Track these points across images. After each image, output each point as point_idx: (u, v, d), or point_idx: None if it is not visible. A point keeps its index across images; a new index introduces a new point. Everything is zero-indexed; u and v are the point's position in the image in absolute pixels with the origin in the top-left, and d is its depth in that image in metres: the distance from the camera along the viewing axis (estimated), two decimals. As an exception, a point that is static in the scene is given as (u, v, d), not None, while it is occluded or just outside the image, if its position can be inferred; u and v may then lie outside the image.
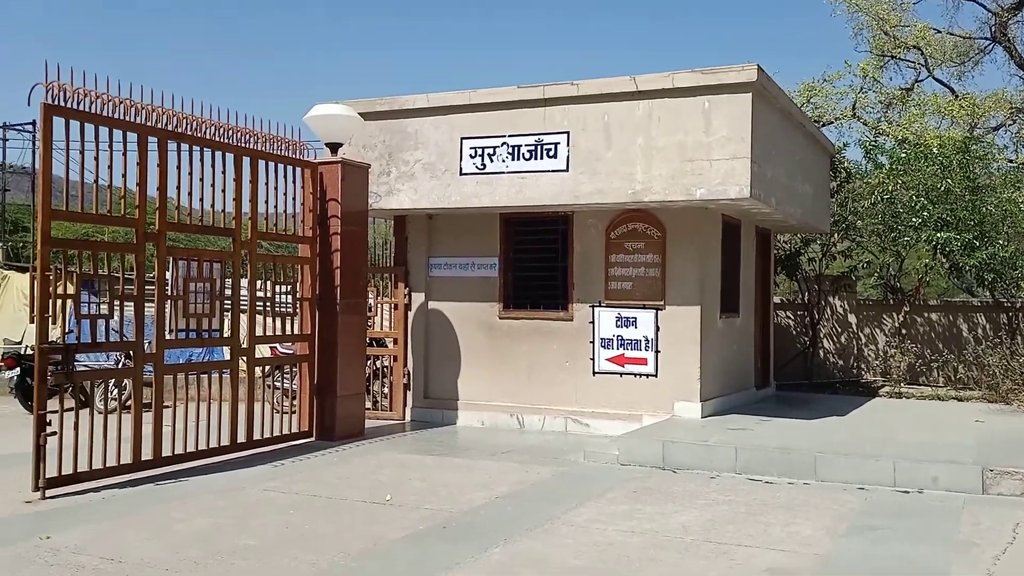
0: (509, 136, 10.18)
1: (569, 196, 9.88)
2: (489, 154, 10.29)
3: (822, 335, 15.49)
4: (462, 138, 10.45)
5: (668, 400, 10.06)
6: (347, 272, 9.93)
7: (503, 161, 10.22)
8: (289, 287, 9.76)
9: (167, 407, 8.08)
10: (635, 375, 10.27)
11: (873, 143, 15.11)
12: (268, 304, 9.38)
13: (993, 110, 22.72)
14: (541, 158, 10.02)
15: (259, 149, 9.20)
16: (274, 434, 9.37)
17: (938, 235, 13.50)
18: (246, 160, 9.03)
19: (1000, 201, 14.09)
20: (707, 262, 10.29)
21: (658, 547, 5.60)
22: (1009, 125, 23.33)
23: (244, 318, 9.29)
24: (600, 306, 10.46)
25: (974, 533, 5.90)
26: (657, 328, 10.17)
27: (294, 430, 9.66)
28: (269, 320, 9.45)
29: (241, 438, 8.89)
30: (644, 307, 10.25)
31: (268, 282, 9.42)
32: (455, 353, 11.29)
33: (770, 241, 13.19)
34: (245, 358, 9.05)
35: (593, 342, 10.48)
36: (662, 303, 10.17)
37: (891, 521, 6.23)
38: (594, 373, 10.47)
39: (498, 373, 10.99)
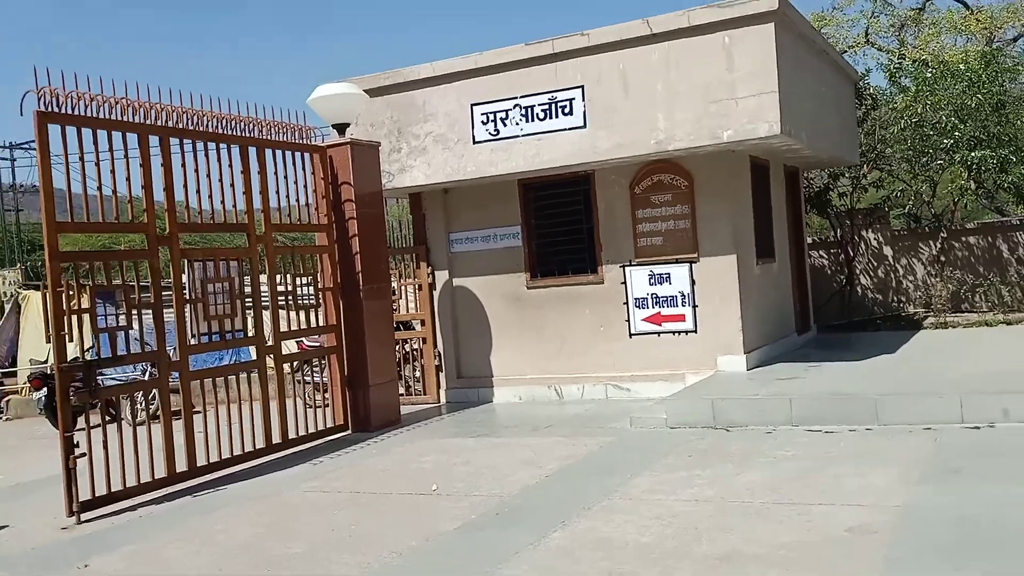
0: (521, 97, 9.75)
1: (589, 153, 9.46)
2: (502, 118, 9.87)
3: (858, 271, 15.00)
4: (472, 104, 10.03)
5: (711, 356, 9.68)
6: (367, 256, 9.60)
7: (517, 124, 9.80)
8: (310, 278, 9.44)
9: (197, 412, 7.84)
10: (674, 333, 9.89)
11: (897, 66, 14.46)
12: (290, 298, 9.08)
13: (1012, 20, 21.84)
14: (556, 116, 9.59)
15: (264, 138, 8.85)
16: (309, 431, 9.10)
17: (972, 155, 12.96)
18: (252, 151, 8.68)
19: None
20: (738, 208, 9.85)
21: (726, 513, 5.27)
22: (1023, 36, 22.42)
23: (267, 315, 9.00)
24: (631, 265, 10.07)
25: (1063, 468, 5.52)
26: (693, 282, 9.76)
27: (328, 424, 9.40)
28: (293, 314, 9.16)
29: (276, 439, 8.63)
30: (677, 262, 9.83)
31: (288, 275, 9.10)
32: (485, 329, 10.95)
33: (798, 179, 12.69)
34: (272, 355, 8.76)
35: (627, 303, 10.10)
36: (696, 255, 9.75)
37: (968, 462, 5.84)
38: (631, 335, 10.10)
39: (531, 345, 10.65)
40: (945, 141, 13.19)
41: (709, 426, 7.86)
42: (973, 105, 13.19)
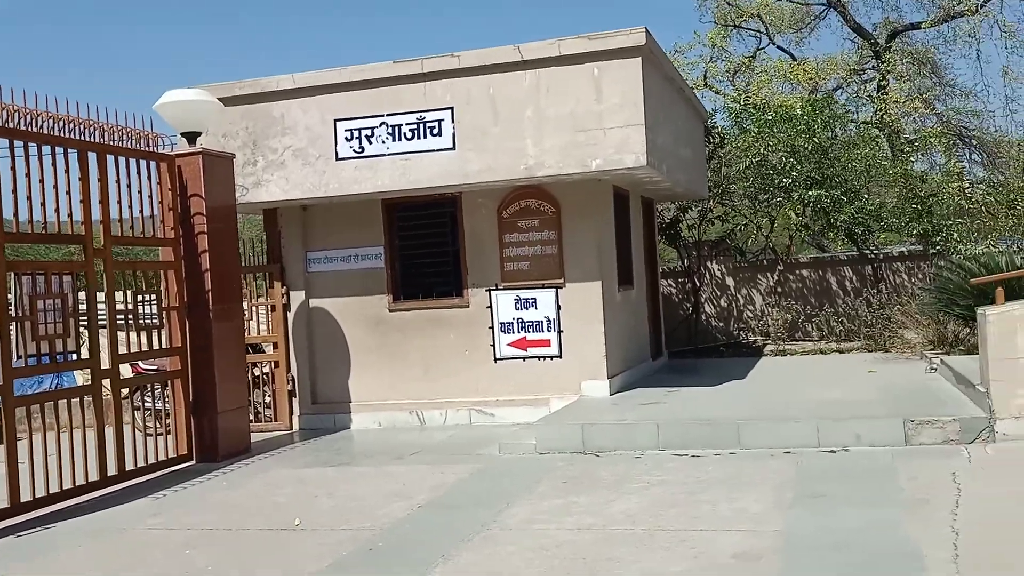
0: (388, 115, 9.49)
1: (458, 176, 9.31)
2: (367, 136, 9.56)
3: (703, 300, 15.63)
4: (335, 120, 9.66)
5: (575, 381, 9.70)
6: (218, 275, 8.98)
7: (383, 143, 9.52)
8: (153, 296, 8.71)
9: (21, 439, 6.99)
10: (539, 358, 9.85)
11: (743, 108, 15.28)
12: (131, 317, 8.33)
13: (833, 72, 23.68)
14: (425, 137, 9.39)
15: (107, 143, 8.12)
16: (149, 462, 8.36)
17: (809, 193, 13.82)
18: (92, 156, 7.94)
19: (863, 156, 14.56)
20: (603, 235, 9.97)
21: (611, 543, 5.18)
22: (845, 86, 24.41)
23: (104, 335, 8.22)
24: (497, 289, 9.96)
25: (917, 489, 5.81)
26: (558, 307, 9.78)
27: (171, 454, 8.67)
28: (133, 335, 8.41)
29: (112, 470, 7.85)
30: (543, 286, 9.82)
31: (129, 292, 8.36)
32: (343, 352, 10.52)
33: (653, 210, 13.08)
34: (109, 380, 7.98)
35: (492, 327, 9.97)
36: (561, 281, 9.78)
37: (831, 486, 6.06)
38: (496, 360, 9.98)
39: (392, 369, 10.32)
40: (784, 180, 14.01)
41: (579, 451, 7.82)
42: (809, 148, 14.10)
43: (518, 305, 9.90)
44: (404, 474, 7.60)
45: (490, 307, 9.99)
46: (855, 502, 5.63)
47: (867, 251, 15.44)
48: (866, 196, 14.27)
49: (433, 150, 9.38)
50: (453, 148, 9.32)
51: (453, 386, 10.07)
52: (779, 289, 15.36)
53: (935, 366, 9.84)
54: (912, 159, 16.68)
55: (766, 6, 24.03)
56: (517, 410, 9.75)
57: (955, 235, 13.83)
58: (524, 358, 9.90)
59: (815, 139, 14.20)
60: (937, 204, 14.67)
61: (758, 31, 24.89)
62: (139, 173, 8.48)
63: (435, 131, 9.39)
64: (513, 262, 9.94)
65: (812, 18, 25.45)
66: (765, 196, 14.39)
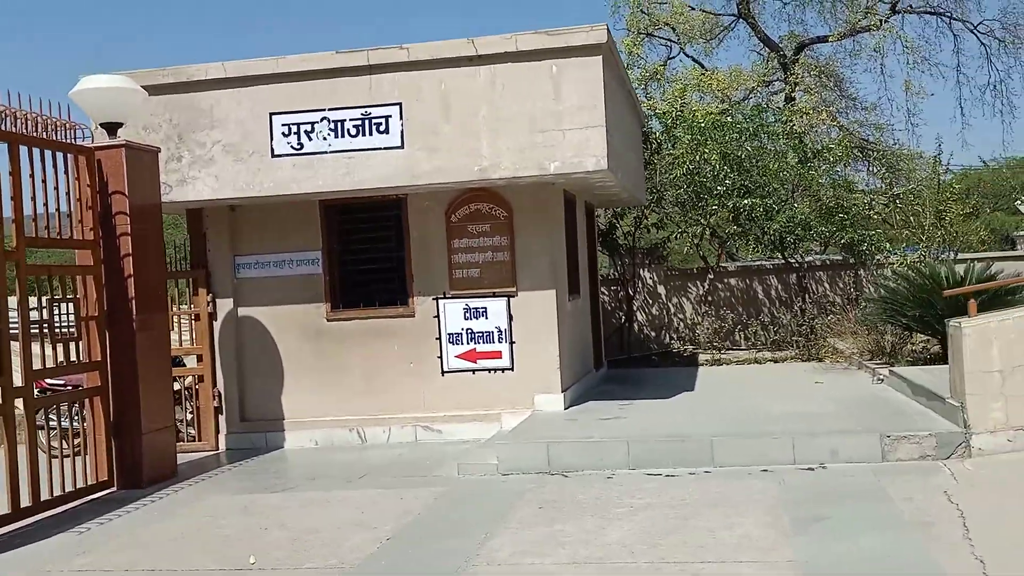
0: (330, 110, 8.84)
1: (406, 176, 8.74)
2: (307, 131, 8.89)
3: (635, 308, 15.47)
4: (271, 113, 8.95)
5: (527, 394, 9.27)
6: (142, 281, 8.15)
7: (324, 139, 8.86)
8: (70, 305, 7.82)
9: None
10: (489, 371, 9.38)
11: (679, 113, 15.19)
12: (46, 328, 7.43)
13: (744, 83, 24.09)
14: (371, 134, 8.79)
15: (20, 132, 7.22)
16: (66, 489, 7.47)
17: (744, 202, 13.83)
18: (2, 147, 7.04)
19: (791, 166, 14.69)
20: (555, 242, 9.59)
21: (616, 579, 4.78)
22: (753, 97, 24.90)
23: (15, 348, 7.29)
24: (445, 298, 9.44)
25: (917, 511, 5.63)
26: (510, 317, 9.33)
27: (89, 481, 7.79)
28: (48, 348, 7.50)
29: (25, 501, 6.96)
30: (494, 295, 9.36)
31: (42, 300, 7.46)
32: (275, 365, 9.77)
33: (594, 216, 12.81)
34: (22, 399, 7.08)
35: (440, 338, 9.44)
36: (514, 289, 9.34)
37: (826, 508, 5.82)
38: (443, 373, 9.45)
39: (330, 383, 9.64)
40: (718, 188, 13.97)
41: (544, 471, 7.39)
42: (742, 156, 14.12)
43: (467, 315, 9.41)
44: (359, 500, 7.00)
45: (437, 316, 9.46)
46: (859, 527, 5.40)
47: (792, 260, 15.60)
48: (796, 205, 14.39)
49: (380, 148, 8.79)
50: (402, 147, 8.75)
51: (397, 401, 9.49)
52: (709, 298, 15.35)
53: (881, 377, 9.87)
54: (820, 170, 16.98)
55: (679, 15, 24.28)
56: (466, 426, 9.25)
57: (874, 245, 14.11)
58: (474, 371, 9.41)
59: (747, 147, 14.24)
60: (859, 214, 14.98)
61: (669, 40, 25.14)
62: (55, 167, 7.60)
63: (382, 128, 8.81)
64: (462, 269, 9.44)
65: (721, 28, 25.89)
66: (700, 204, 14.32)
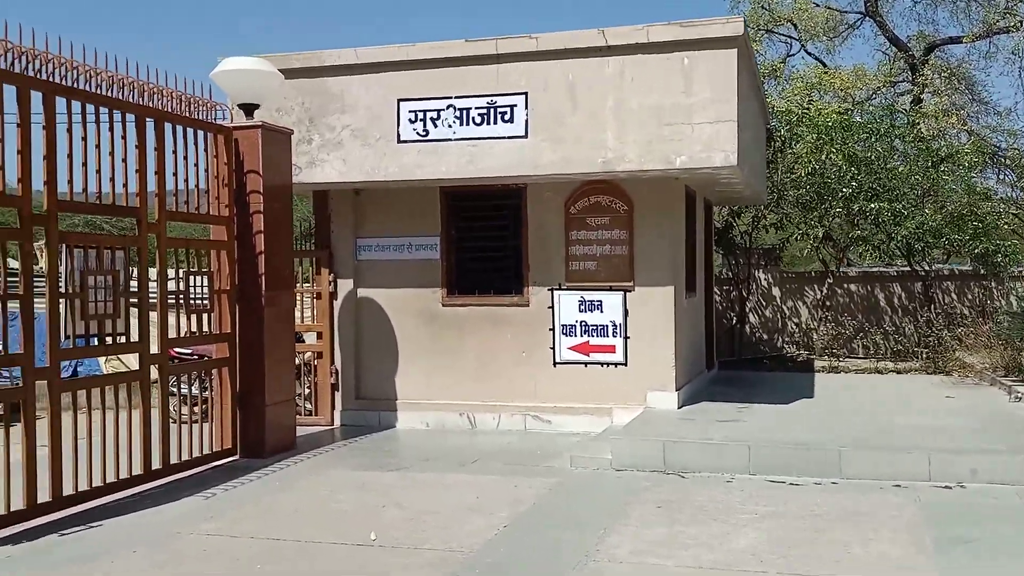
0: (456, 97, 8.88)
1: (529, 166, 8.70)
2: (432, 118, 8.95)
3: (748, 309, 15.08)
4: (399, 100, 9.05)
5: (639, 391, 9.12)
6: (272, 258, 8.39)
7: (449, 126, 8.91)
8: (204, 278, 8.11)
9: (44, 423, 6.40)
10: (602, 364, 9.27)
11: (805, 111, 14.68)
12: (182, 299, 7.73)
13: (868, 83, 23.09)
14: (495, 123, 8.78)
15: (166, 109, 7.51)
16: (193, 455, 7.77)
17: (871, 205, 13.26)
18: (149, 123, 7.33)
19: (923, 170, 14.00)
20: (676, 238, 9.39)
21: (746, 587, 4.62)
22: (874, 97, 23.84)
23: (152, 317, 7.62)
24: (560, 289, 9.38)
25: (1072, 539, 5.26)
26: (626, 312, 9.20)
27: (215, 448, 8.08)
28: (183, 318, 7.81)
29: (156, 463, 7.27)
30: (611, 289, 9.24)
31: (180, 272, 7.76)
32: (391, 346, 9.93)
33: (711, 214, 12.52)
34: (158, 366, 7.38)
35: (553, 329, 9.39)
36: (631, 284, 9.20)
37: (971, 530, 5.49)
38: (555, 364, 9.40)
39: (443, 367, 9.73)
40: (844, 190, 13.44)
41: (659, 470, 7.25)
42: (872, 157, 13.54)
43: (582, 307, 9.32)
44: (473, 485, 7.02)
45: (552, 307, 9.41)
46: (1008, 552, 5.07)
47: (919, 268, 14.90)
48: (926, 211, 13.71)
49: (504, 137, 8.77)
50: (525, 136, 8.72)
51: (508, 389, 9.49)
52: (827, 303, 14.81)
53: (1020, 396, 9.30)
54: (953, 175, 16.14)
55: (802, 11, 23.46)
56: (576, 418, 9.18)
57: (1010, 256, 13.33)
58: (586, 363, 9.33)
59: (878, 148, 13.65)
60: (992, 224, 14.19)
61: (789, 37, 24.34)
62: (196, 144, 7.89)
63: (507, 117, 8.79)
64: (579, 261, 9.35)
65: (846, 27, 24.88)
66: (822, 206, 13.80)
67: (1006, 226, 15.18)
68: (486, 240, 9.72)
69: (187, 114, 7.83)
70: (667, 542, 5.40)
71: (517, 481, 7.08)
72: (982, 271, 14.30)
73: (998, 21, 21.01)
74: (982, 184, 17.96)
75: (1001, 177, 22.72)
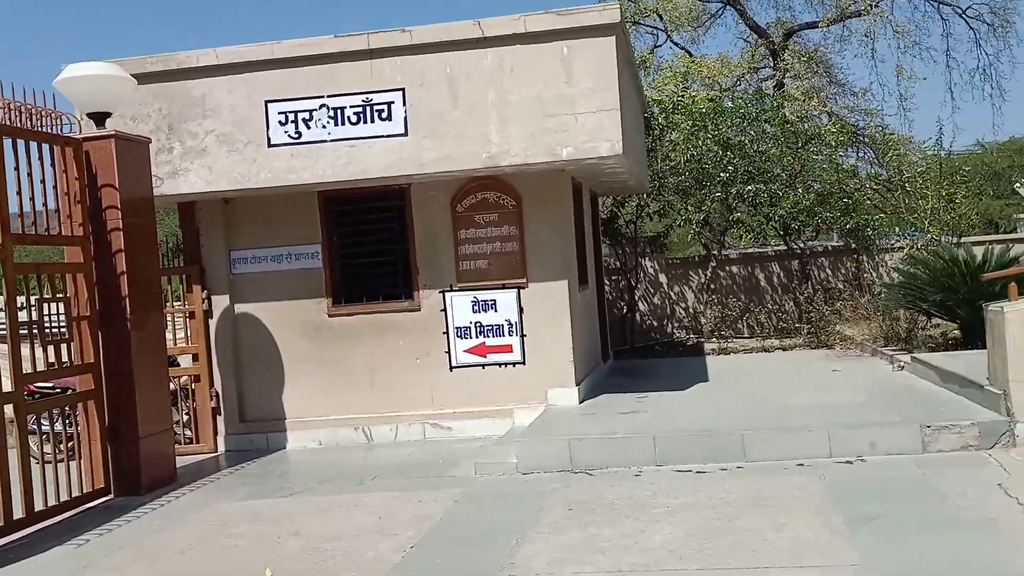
0: (329, 96, 8.44)
1: (411, 165, 8.36)
2: (305, 120, 8.49)
3: (637, 297, 15.16)
4: (267, 101, 8.54)
5: (540, 389, 8.92)
6: (136, 278, 7.74)
7: (324, 127, 8.46)
8: (60, 304, 7.38)
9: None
10: (500, 365, 9.03)
11: (680, 98, 14.85)
12: (36, 330, 7.00)
13: (733, 70, 23.77)
14: (372, 121, 8.39)
15: (4, 123, 6.77)
16: (61, 499, 7.05)
17: (748, 188, 13.53)
18: (-16, 137, 6.59)
19: (797, 153, 14.40)
20: (565, 231, 9.24)
21: (669, 589, 4.45)
22: (739, 84, 24.61)
23: (2, 350, 6.87)
24: (452, 291, 9.07)
25: (975, 506, 5.34)
26: (521, 310, 8.98)
27: (85, 489, 7.38)
28: (39, 350, 7.07)
29: (18, 512, 6.55)
30: (504, 287, 9.00)
31: (32, 300, 7.03)
32: (275, 363, 9.38)
33: (598, 204, 12.47)
34: (13, 406, 6.65)
35: (447, 333, 9.08)
36: (524, 280, 8.99)
37: (877, 505, 5.50)
38: (451, 368, 9.09)
39: (333, 381, 9.26)
40: (721, 174, 13.66)
41: (566, 470, 7.06)
42: (746, 141, 13.83)
43: (476, 308, 9.05)
44: (375, 504, 6.64)
45: (444, 310, 9.09)
46: (918, 525, 5.09)
47: (795, 247, 15.34)
48: (799, 191, 14.12)
49: (382, 136, 8.40)
50: (405, 134, 8.37)
51: (404, 398, 9.12)
52: (711, 286, 15.06)
53: (902, 364, 9.61)
54: (821, 155, 16.75)
55: (667, 2, 23.96)
56: (477, 423, 8.91)
57: (877, 230, 13.90)
58: (483, 365, 9.06)
59: (750, 132, 13.96)
60: (861, 200, 14.78)
61: (656, 28, 24.84)
62: (40, 159, 7.15)
63: (384, 115, 8.41)
64: (470, 260, 9.07)
65: (709, 16, 25.57)
66: (701, 191, 14.00)
67: (868, 201, 15.82)
68: (371, 245, 9.31)
69: (27, 126, 7.10)
70: (583, 546, 5.19)
71: (421, 495, 6.74)
72: (853, 246, 14.85)
73: (850, 5, 21.98)
74: (846, 162, 18.76)
75: (861, 155, 23.85)
